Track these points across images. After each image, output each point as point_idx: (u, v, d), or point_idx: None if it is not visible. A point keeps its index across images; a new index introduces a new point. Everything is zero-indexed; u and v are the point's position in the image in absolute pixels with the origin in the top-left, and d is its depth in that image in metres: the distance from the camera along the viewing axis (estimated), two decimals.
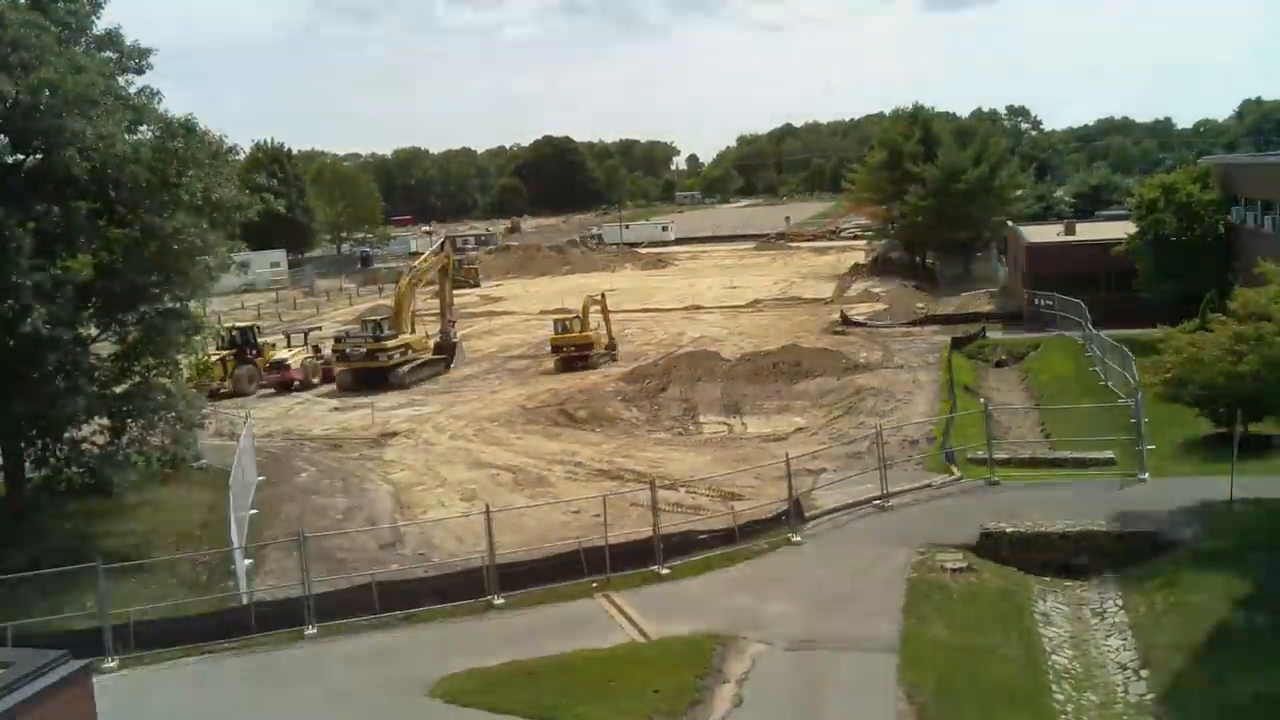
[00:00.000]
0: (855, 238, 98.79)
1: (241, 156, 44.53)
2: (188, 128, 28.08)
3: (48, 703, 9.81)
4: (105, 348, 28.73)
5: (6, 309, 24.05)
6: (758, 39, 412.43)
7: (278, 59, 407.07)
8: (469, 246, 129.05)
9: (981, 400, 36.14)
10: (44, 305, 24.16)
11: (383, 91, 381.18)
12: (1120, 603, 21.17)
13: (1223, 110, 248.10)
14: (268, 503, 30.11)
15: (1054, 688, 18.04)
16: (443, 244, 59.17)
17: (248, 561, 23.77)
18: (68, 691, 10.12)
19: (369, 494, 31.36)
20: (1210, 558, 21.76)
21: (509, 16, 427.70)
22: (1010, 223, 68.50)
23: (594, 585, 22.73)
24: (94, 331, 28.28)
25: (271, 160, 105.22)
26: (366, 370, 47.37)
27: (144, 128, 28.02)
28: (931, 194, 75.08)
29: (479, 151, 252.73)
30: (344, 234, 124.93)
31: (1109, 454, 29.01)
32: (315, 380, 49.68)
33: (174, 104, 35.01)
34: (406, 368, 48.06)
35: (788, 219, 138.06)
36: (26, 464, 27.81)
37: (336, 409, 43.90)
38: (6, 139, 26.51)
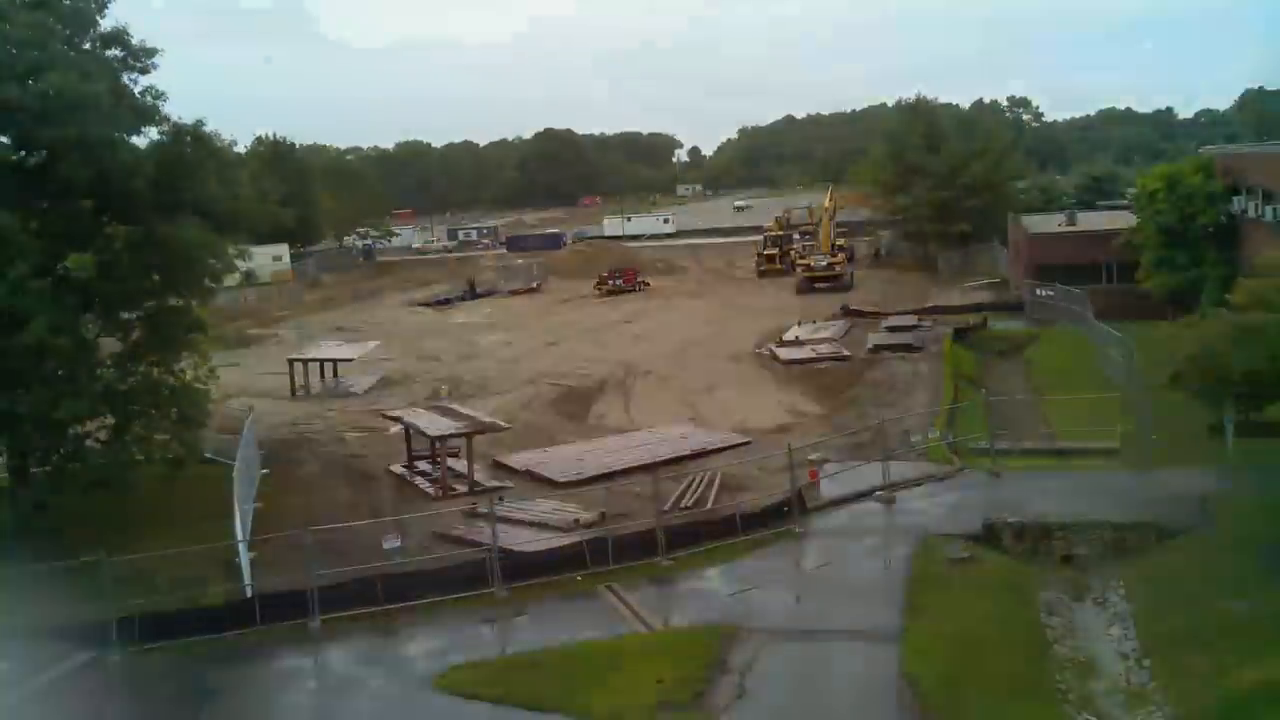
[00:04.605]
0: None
1: (243, 150, 44.89)
2: (196, 135, 28.16)
3: (53, 696, 9.86)
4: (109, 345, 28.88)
5: (10, 312, 24.20)
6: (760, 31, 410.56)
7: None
8: (475, 241, 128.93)
9: (983, 391, 36.18)
10: (47, 309, 24.27)
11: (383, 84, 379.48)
12: (1122, 592, 21.21)
13: (1224, 101, 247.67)
14: (272, 495, 30.19)
15: (1056, 677, 18.08)
16: None
17: (251, 554, 23.85)
18: (74, 684, 10.17)
19: (372, 485, 31.48)
20: (1212, 547, 21.81)
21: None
22: (1012, 214, 68.49)
23: (596, 577, 22.81)
24: (97, 330, 28.41)
25: (274, 155, 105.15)
26: None
27: (149, 129, 28.17)
28: (936, 186, 75.09)
29: (481, 144, 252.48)
30: (347, 227, 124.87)
31: (1111, 444, 29.04)
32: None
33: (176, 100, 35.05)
34: None
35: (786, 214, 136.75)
36: (31, 460, 27.93)
37: None
38: (10, 142, 26.58)
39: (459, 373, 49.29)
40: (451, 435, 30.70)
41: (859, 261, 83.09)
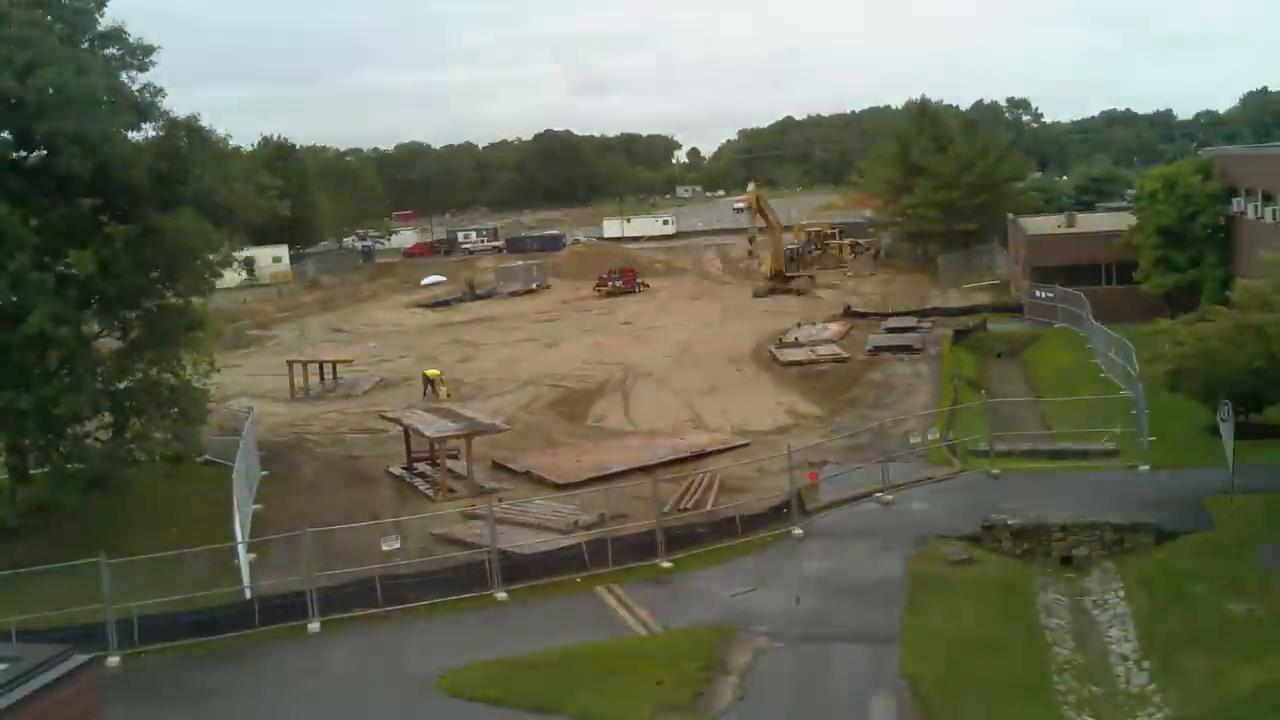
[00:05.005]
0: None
1: (239, 146, 44.88)
2: (190, 128, 28.22)
3: (52, 698, 9.83)
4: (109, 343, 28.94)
5: (11, 305, 24.20)
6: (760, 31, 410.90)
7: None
8: (472, 243, 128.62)
9: (982, 392, 36.18)
10: (48, 303, 24.30)
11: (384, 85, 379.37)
12: (1121, 594, 21.19)
13: (1224, 102, 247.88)
14: (271, 496, 30.19)
15: (1056, 679, 18.07)
16: None
17: (251, 555, 23.85)
18: (72, 686, 10.14)
19: (371, 486, 31.47)
20: (1211, 548, 21.80)
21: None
22: (1012, 215, 68.50)
23: (596, 578, 22.79)
24: (96, 327, 28.44)
25: (276, 156, 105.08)
26: None
27: (147, 125, 28.19)
28: (942, 186, 75.11)
29: (480, 146, 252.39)
30: (347, 228, 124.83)
31: (1110, 445, 29.03)
32: None
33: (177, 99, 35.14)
34: None
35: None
36: (30, 459, 27.93)
37: None
38: (10, 137, 26.64)
39: (458, 374, 49.26)
40: (450, 436, 30.69)
41: (859, 261, 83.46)
